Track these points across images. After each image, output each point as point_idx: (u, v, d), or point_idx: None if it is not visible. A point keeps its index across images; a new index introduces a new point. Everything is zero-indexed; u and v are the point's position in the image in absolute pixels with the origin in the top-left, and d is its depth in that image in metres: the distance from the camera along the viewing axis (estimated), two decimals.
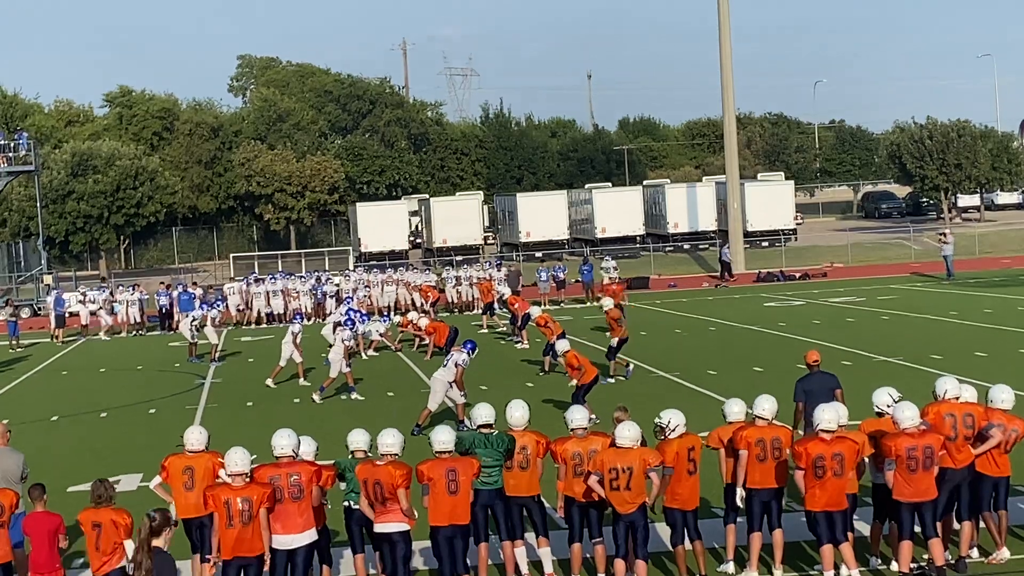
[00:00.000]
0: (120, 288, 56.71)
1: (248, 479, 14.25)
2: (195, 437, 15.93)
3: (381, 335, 42.06)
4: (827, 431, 14.93)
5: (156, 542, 12.92)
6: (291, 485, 14.35)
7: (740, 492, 15.66)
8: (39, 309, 63.30)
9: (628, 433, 15.06)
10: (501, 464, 15.59)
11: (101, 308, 53.91)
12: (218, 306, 45.00)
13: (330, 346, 34.47)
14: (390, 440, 14.82)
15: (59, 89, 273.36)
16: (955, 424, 15.57)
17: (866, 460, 15.59)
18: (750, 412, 16.10)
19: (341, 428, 26.30)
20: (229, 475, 14.39)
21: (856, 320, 44.16)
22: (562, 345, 28.77)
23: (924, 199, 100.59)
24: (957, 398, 16.02)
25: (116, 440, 28.24)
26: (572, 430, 15.76)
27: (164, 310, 53.83)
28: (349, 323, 36.70)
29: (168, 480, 15.74)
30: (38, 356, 46.69)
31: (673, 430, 15.48)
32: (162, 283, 58.52)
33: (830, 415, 15.02)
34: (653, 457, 15.04)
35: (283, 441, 14.69)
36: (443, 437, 15.08)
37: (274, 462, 14.61)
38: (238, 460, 14.33)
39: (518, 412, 16.05)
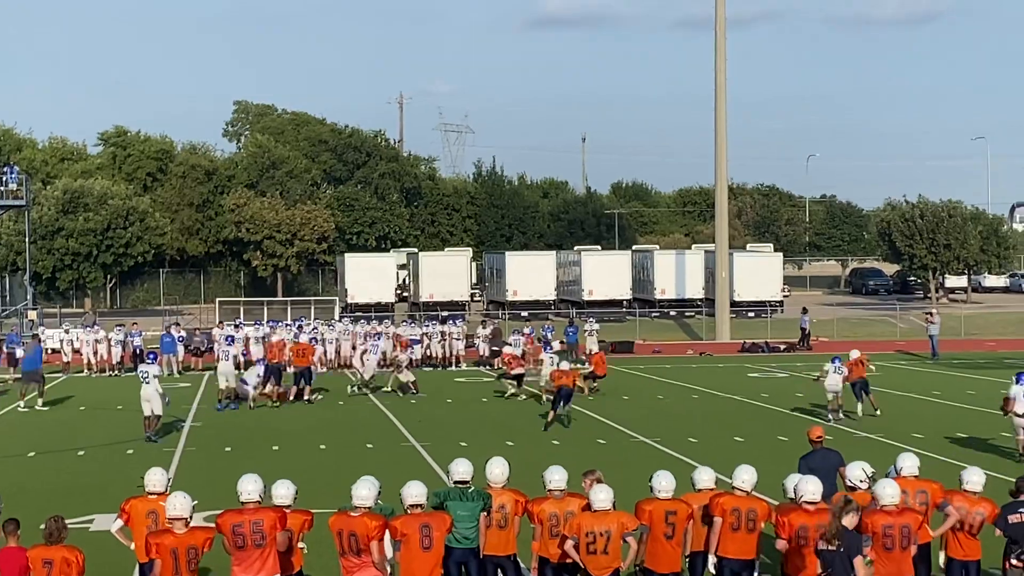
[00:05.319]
0: (98, 327, 56.53)
1: (188, 524, 14.17)
2: (156, 479, 15.81)
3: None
4: (811, 503, 14.87)
5: (845, 520, 13.74)
6: (254, 532, 14.23)
7: (712, 559, 15.56)
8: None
9: (604, 496, 14.96)
10: (477, 521, 15.48)
11: (89, 346, 53.82)
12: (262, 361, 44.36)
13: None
14: (364, 492, 14.69)
15: (54, 126, 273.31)
16: (906, 501, 15.46)
17: None
18: (727, 480, 16.02)
19: (317, 476, 26.28)
20: (169, 519, 14.28)
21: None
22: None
23: (912, 278, 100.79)
24: (916, 476, 16.01)
25: (92, 479, 28.08)
26: (550, 490, 15.64)
27: (138, 351, 53.69)
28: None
29: (129, 524, 15.60)
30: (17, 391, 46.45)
31: (659, 492, 15.39)
32: (134, 323, 58.23)
33: (814, 487, 14.97)
34: (631, 521, 14.94)
35: (249, 487, 14.57)
36: (415, 491, 14.96)
37: (238, 508, 14.51)
38: (178, 504, 14.23)
39: (497, 469, 15.93)
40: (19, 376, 50.57)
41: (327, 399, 43.16)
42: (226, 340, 44.98)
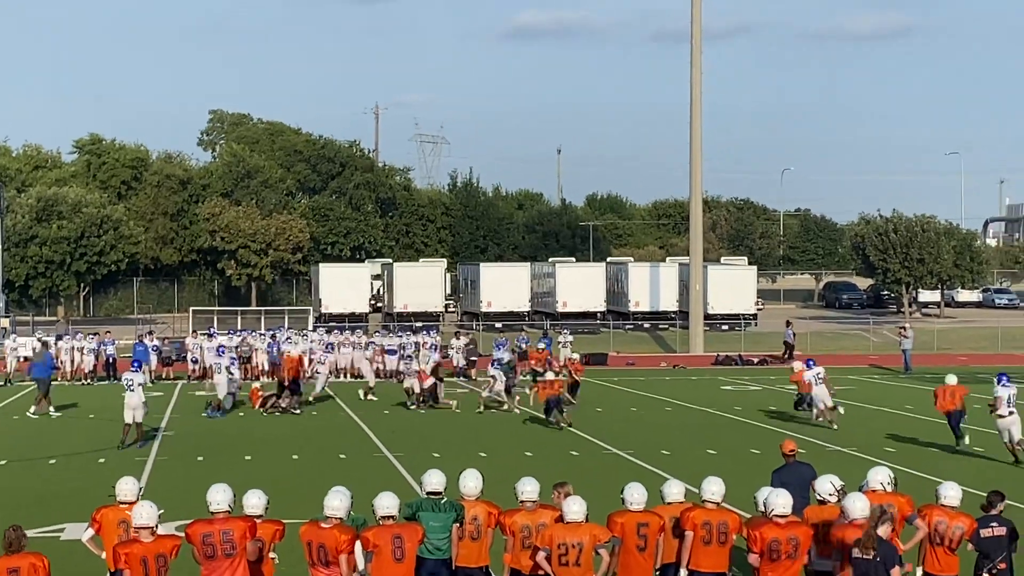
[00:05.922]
0: (78, 335, 56.45)
1: (154, 533, 14.13)
2: (127, 487, 15.75)
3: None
4: (781, 516, 14.87)
5: (880, 531, 13.94)
6: (224, 542, 14.17)
7: (683, 573, 15.52)
8: None
9: (577, 507, 14.93)
10: (449, 532, 15.43)
11: (67, 354, 53.75)
12: (235, 363, 44.30)
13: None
14: (336, 503, 14.64)
15: (28, 134, 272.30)
16: None
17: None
18: (696, 493, 16.00)
19: (290, 486, 26.22)
20: (135, 528, 14.22)
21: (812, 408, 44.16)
22: None
23: (885, 292, 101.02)
24: (885, 489, 16.02)
25: (63, 487, 27.96)
26: (522, 502, 15.59)
27: (111, 359, 53.65)
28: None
29: (101, 533, 15.54)
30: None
31: (631, 504, 15.37)
32: (107, 332, 58.04)
33: (784, 501, 14.97)
34: (603, 533, 14.92)
35: (218, 496, 14.52)
36: (387, 502, 14.90)
37: (208, 518, 14.45)
38: (144, 513, 14.15)
39: (471, 482, 15.87)
40: None
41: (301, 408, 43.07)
42: (217, 351, 44.94)
